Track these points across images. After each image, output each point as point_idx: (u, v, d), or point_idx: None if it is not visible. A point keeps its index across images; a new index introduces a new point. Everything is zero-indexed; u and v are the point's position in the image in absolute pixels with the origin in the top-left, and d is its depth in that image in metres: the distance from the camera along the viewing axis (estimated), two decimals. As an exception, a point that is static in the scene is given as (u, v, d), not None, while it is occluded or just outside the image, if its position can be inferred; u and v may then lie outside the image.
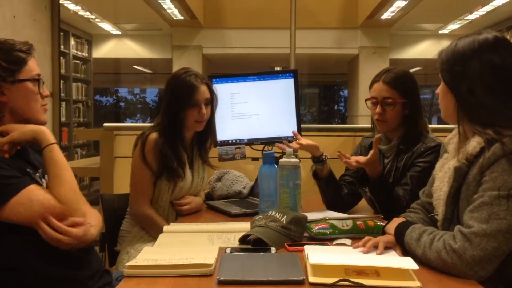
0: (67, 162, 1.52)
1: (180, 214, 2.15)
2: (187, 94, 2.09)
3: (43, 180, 1.54)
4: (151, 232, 2.09)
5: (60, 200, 1.41)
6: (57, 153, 1.49)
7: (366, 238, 1.51)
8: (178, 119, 2.10)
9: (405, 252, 1.44)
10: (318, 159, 2.06)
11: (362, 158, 1.95)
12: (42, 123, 1.58)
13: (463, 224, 1.31)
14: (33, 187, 1.39)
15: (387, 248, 1.49)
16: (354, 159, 1.96)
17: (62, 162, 1.50)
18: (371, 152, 1.94)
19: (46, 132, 1.52)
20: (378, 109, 2.04)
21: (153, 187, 2.13)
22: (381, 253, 1.44)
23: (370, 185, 1.97)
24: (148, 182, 2.11)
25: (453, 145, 1.51)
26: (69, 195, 1.43)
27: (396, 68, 2.09)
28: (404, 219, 1.56)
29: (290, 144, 2.09)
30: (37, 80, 1.53)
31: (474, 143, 1.37)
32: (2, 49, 1.47)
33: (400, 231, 1.46)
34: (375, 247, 1.47)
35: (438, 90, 1.49)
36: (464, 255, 1.25)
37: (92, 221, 1.44)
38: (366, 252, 1.45)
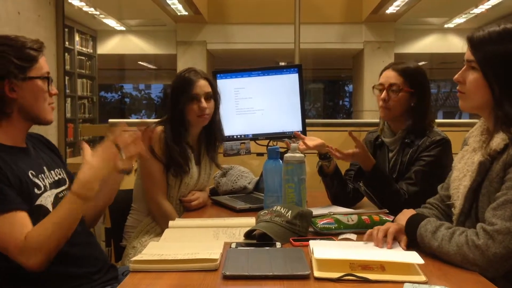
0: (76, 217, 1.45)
1: (188, 210, 2.16)
2: (185, 89, 2.10)
3: (46, 180, 1.54)
4: (165, 227, 2.10)
5: (31, 234, 1.37)
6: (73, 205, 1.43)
7: (375, 229, 1.48)
8: (181, 115, 2.10)
9: (412, 243, 1.43)
10: (325, 156, 2.05)
11: (346, 150, 1.95)
12: (48, 122, 1.59)
13: (485, 221, 1.31)
14: (9, 216, 1.36)
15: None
16: (337, 151, 1.96)
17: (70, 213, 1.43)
18: (355, 145, 1.94)
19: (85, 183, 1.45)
20: (383, 94, 2.04)
21: (165, 179, 2.13)
22: (390, 247, 1.42)
23: (364, 179, 1.97)
24: (161, 173, 2.11)
25: (472, 138, 1.49)
26: (41, 238, 1.38)
27: (409, 62, 2.11)
28: (414, 212, 1.55)
29: (298, 146, 2.09)
30: (46, 78, 1.53)
31: (499, 139, 1.36)
32: (14, 46, 1.48)
33: (413, 223, 1.45)
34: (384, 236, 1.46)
35: (460, 78, 1.43)
36: (486, 252, 1.25)
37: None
38: (380, 247, 1.43)
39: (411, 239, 1.44)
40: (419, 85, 2.04)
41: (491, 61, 1.36)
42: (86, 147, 1.46)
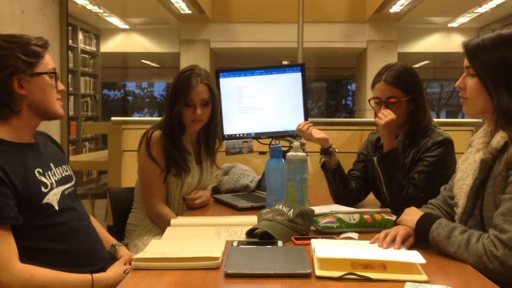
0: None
1: (191, 208, 2.16)
2: (182, 93, 2.08)
3: (52, 178, 1.54)
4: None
5: (25, 268, 1.39)
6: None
7: (383, 233, 1.48)
8: (177, 117, 2.11)
9: (421, 243, 1.44)
10: (326, 151, 2.06)
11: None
12: (59, 116, 1.61)
13: (495, 226, 1.31)
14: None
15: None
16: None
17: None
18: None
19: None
20: (383, 109, 2.02)
21: (164, 185, 2.13)
22: (399, 248, 1.42)
23: (380, 155, 1.96)
24: (159, 179, 2.11)
25: (476, 141, 1.51)
26: (28, 282, 1.39)
27: (397, 65, 2.06)
28: (421, 212, 1.54)
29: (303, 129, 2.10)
30: (53, 74, 1.55)
31: (498, 137, 1.38)
32: (19, 43, 1.49)
33: (423, 225, 1.45)
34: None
35: (461, 84, 1.47)
36: (506, 262, 1.26)
37: None
38: (386, 248, 1.42)
39: (422, 240, 1.44)
40: (414, 89, 2.02)
41: (487, 67, 1.39)
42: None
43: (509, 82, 1.37)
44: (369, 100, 2.11)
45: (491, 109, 1.41)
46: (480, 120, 1.54)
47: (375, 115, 2.14)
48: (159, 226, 2.13)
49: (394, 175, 1.95)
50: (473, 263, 1.30)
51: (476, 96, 1.43)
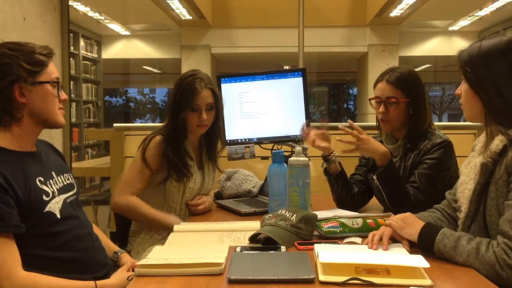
0: None
1: (194, 214, 2.16)
2: (187, 98, 2.09)
3: (54, 186, 1.55)
4: (140, 221, 2.14)
5: (30, 277, 1.39)
6: None
7: (370, 234, 1.51)
8: (180, 122, 2.11)
9: (414, 247, 1.43)
10: (326, 158, 2.06)
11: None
12: (60, 126, 1.61)
13: (503, 233, 1.30)
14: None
15: (396, 242, 1.49)
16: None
17: None
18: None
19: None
20: (381, 108, 2.04)
21: (144, 184, 2.13)
22: (386, 248, 1.43)
23: (379, 174, 1.95)
24: (140, 175, 2.10)
25: (479, 145, 1.52)
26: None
27: (401, 67, 2.08)
28: (420, 221, 1.51)
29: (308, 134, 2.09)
30: (56, 83, 1.55)
31: (497, 141, 1.39)
32: (23, 51, 1.49)
33: (426, 238, 1.42)
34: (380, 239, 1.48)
35: (458, 91, 1.49)
36: None
37: None
38: (375, 249, 1.44)
39: (426, 251, 1.42)
40: (415, 92, 2.03)
41: (477, 74, 1.41)
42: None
43: (499, 87, 1.37)
44: (370, 100, 2.12)
45: (484, 113, 1.42)
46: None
47: (377, 118, 2.14)
48: (131, 217, 2.15)
49: (396, 187, 1.94)
50: (485, 272, 1.29)
51: (467, 100, 1.46)
